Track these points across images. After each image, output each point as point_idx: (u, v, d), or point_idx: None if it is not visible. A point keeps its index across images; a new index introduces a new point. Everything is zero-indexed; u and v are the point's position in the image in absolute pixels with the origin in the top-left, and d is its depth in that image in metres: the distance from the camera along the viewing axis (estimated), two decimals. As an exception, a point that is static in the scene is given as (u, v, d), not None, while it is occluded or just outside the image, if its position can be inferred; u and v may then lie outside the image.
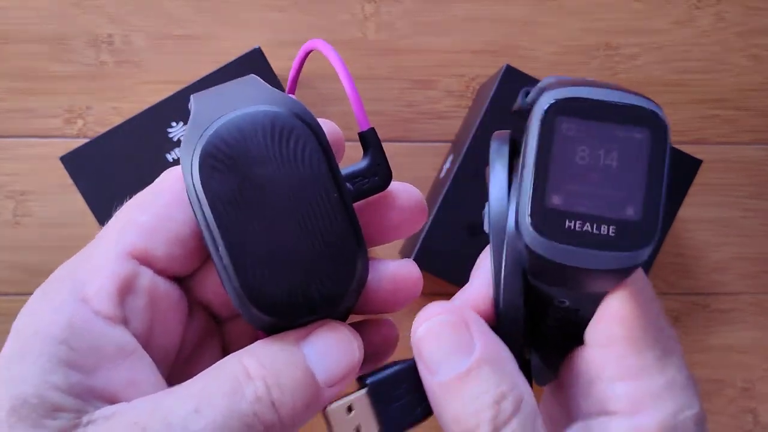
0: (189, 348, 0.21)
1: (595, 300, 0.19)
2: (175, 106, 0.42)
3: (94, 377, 0.17)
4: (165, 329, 0.20)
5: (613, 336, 0.19)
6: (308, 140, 0.18)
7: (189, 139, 0.18)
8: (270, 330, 0.19)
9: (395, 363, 0.21)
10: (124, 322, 0.18)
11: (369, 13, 0.52)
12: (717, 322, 0.53)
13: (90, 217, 0.42)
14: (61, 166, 0.42)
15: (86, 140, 0.42)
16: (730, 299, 0.53)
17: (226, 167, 0.18)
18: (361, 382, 0.21)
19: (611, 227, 0.17)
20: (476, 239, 0.41)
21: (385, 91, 0.52)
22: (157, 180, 0.20)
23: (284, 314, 0.18)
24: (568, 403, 0.21)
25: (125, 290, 0.18)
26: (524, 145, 0.18)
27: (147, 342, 0.19)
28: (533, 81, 0.43)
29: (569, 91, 0.18)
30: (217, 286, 0.21)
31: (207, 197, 0.18)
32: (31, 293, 0.19)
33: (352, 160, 0.20)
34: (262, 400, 0.17)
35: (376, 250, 0.46)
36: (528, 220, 0.17)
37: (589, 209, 0.17)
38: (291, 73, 0.23)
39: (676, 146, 0.44)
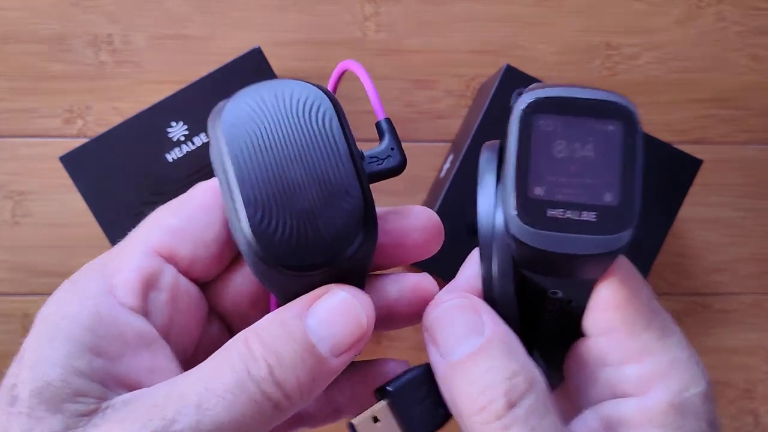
0: (202, 354, 0.22)
1: (586, 288, 0.20)
2: (175, 106, 0.42)
3: (118, 364, 0.18)
4: (183, 328, 0.20)
5: (611, 323, 0.20)
6: (323, 102, 0.19)
7: (219, 105, 0.20)
8: (277, 290, 0.20)
9: (411, 369, 0.21)
10: (146, 314, 0.19)
11: (369, 13, 0.52)
12: (717, 323, 0.53)
13: (90, 217, 0.42)
14: (61, 166, 0.42)
15: (86, 140, 0.42)
16: (730, 300, 0.53)
17: (245, 123, 0.19)
18: (381, 392, 0.21)
19: (592, 213, 0.18)
20: (476, 239, 0.41)
21: (385, 91, 0.52)
22: (187, 191, 0.21)
23: (290, 261, 0.19)
24: (576, 395, 0.21)
25: (149, 284, 0.19)
26: (507, 144, 0.19)
27: (166, 336, 0.20)
28: (533, 81, 0.43)
29: (544, 92, 0.19)
30: (235, 297, 0.22)
31: (228, 149, 0.19)
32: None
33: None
34: (267, 380, 0.18)
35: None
36: (513, 211, 0.18)
37: (569, 197, 0.18)
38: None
39: (676, 146, 0.44)
